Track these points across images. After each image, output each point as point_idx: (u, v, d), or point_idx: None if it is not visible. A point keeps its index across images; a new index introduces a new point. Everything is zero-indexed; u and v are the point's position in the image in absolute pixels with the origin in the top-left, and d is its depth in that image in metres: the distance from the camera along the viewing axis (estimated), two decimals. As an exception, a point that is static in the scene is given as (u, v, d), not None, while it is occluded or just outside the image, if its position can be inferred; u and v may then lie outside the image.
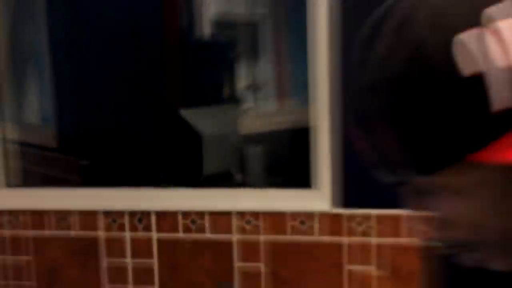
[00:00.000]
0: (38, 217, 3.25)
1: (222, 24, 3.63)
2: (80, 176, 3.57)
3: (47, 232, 3.24)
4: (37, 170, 3.57)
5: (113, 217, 3.18)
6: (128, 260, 3.18)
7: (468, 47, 0.83)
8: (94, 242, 3.20)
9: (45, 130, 3.67)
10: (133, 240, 3.17)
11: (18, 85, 3.46)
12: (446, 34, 0.83)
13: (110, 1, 3.54)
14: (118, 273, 3.21)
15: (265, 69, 4.02)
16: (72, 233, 3.20)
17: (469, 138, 0.88)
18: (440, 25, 0.85)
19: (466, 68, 0.82)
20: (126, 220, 3.14)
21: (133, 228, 3.16)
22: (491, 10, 0.84)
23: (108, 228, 3.19)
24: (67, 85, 3.61)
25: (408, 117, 0.88)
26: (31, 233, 3.23)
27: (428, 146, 0.90)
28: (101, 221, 3.19)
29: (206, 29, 3.54)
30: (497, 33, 0.84)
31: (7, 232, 3.25)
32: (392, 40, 0.88)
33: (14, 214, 3.26)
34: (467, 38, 0.83)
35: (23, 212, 3.26)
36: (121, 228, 3.18)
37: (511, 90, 0.83)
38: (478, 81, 0.81)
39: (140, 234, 3.16)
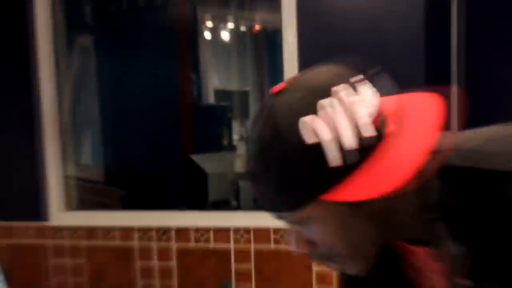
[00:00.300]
0: (90, 231, 3.35)
1: (222, 93, 3.79)
2: (120, 203, 3.70)
3: (96, 242, 3.34)
4: (89, 198, 3.66)
5: (144, 232, 3.27)
6: (155, 263, 3.26)
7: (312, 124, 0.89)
8: (130, 249, 3.29)
9: (95, 169, 3.75)
10: (158, 249, 3.25)
11: (77, 137, 3.60)
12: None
13: (140, 77, 3.65)
14: (147, 272, 3.29)
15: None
16: (115, 243, 3.30)
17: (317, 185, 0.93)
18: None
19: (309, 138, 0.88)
20: (154, 234, 3.24)
21: (158, 240, 3.25)
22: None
23: (140, 240, 3.28)
24: (111, 137, 3.72)
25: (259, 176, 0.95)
26: (84, 243, 3.34)
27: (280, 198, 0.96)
28: (135, 235, 3.28)
29: (210, 97, 3.68)
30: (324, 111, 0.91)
31: (67, 242, 3.35)
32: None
33: (72, 229, 3.36)
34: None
35: (79, 228, 3.35)
36: (150, 239, 3.26)
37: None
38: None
39: (163, 244, 3.24)
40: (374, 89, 0.94)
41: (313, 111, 0.88)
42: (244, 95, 3.65)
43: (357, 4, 3.00)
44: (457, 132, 1.04)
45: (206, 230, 3.07)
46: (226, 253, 3.17)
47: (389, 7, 2.95)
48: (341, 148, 0.87)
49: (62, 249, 3.40)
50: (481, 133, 1.01)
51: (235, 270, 3.17)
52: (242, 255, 3.15)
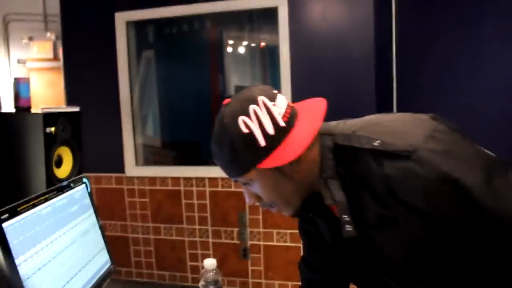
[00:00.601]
0: (151, 180, 3.53)
1: (239, 88, 3.74)
2: (171, 161, 3.80)
3: (155, 187, 3.54)
4: (151, 157, 3.76)
5: (187, 180, 3.45)
6: (194, 201, 3.47)
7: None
8: (178, 192, 3.48)
9: (155, 138, 3.90)
10: (197, 191, 3.45)
11: (143, 117, 3.70)
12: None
13: (185, 78, 3.76)
14: (190, 207, 3.47)
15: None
16: (168, 188, 3.52)
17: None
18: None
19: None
20: (194, 181, 3.43)
21: (197, 185, 3.44)
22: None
23: (185, 185, 3.47)
24: (165, 118, 3.87)
25: None
26: (148, 187, 3.56)
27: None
28: (182, 182, 3.47)
29: (231, 90, 3.72)
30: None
31: (136, 187, 3.58)
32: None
33: (140, 178, 3.55)
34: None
35: (144, 178, 3.55)
36: (191, 185, 3.45)
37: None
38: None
39: (200, 188, 3.42)
40: (285, 98, 1.08)
41: (246, 113, 1.02)
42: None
43: (328, 30, 3.13)
44: (342, 121, 1.13)
45: (229, 178, 2.88)
46: (242, 194, 3.13)
47: (348, 32, 3.10)
48: (265, 134, 1.02)
49: (133, 191, 3.58)
50: (359, 121, 1.09)
51: (249, 206, 3.30)
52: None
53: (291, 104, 1.07)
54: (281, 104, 1.04)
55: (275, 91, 1.06)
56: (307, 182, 1.07)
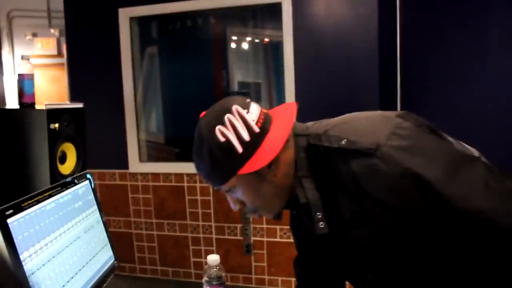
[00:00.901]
0: (155, 176, 3.54)
1: (242, 84, 3.79)
2: (175, 156, 3.78)
3: (159, 183, 3.54)
4: (155, 153, 3.76)
5: (191, 176, 3.44)
6: (198, 197, 3.47)
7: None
8: (182, 188, 3.48)
9: (158, 135, 3.88)
10: (200, 188, 3.44)
11: (146, 113, 3.68)
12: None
13: (189, 73, 3.74)
14: (193, 203, 3.47)
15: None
16: (171, 184, 3.52)
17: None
18: None
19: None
20: (197, 177, 3.40)
21: (201, 182, 3.40)
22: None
23: (188, 182, 3.47)
24: (169, 113, 3.84)
25: None
26: (151, 183, 3.56)
27: None
28: (185, 178, 3.47)
29: (235, 86, 3.72)
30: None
31: (139, 184, 3.59)
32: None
33: (143, 174, 3.56)
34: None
35: (147, 174, 3.55)
36: (195, 181, 3.44)
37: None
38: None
39: (204, 184, 3.39)
40: (258, 105, 1.11)
41: (222, 122, 1.06)
42: (257, 85, 3.73)
43: (332, 26, 3.13)
44: (320, 121, 1.16)
45: None
46: None
47: (352, 28, 3.08)
48: (241, 141, 1.06)
49: (137, 187, 3.58)
50: (333, 121, 1.13)
51: None
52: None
53: (264, 111, 1.11)
54: (254, 111, 1.08)
55: (248, 100, 1.11)
56: (286, 185, 1.10)
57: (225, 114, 1.06)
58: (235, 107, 1.07)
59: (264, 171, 1.06)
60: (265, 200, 1.11)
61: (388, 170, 0.95)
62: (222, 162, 1.05)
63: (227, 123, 1.05)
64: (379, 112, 1.11)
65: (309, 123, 1.15)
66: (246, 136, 1.05)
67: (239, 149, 1.04)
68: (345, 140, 1.02)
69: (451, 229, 0.96)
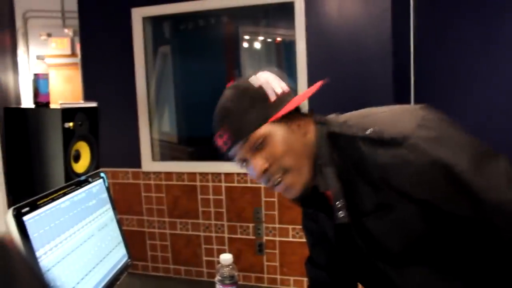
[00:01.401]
0: (168, 175, 3.53)
1: None
2: (188, 156, 3.76)
3: (172, 182, 3.54)
4: (168, 153, 3.74)
5: (203, 175, 3.44)
6: (210, 196, 3.46)
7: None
8: (194, 187, 3.47)
9: (171, 134, 3.86)
10: (213, 187, 3.45)
11: (159, 112, 3.69)
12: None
13: (202, 72, 3.71)
14: (205, 202, 3.47)
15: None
16: (184, 183, 3.51)
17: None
18: None
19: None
20: (210, 177, 3.42)
21: (213, 181, 3.42)
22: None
23: (201, 181, 3.46)
24: (182, 113, 3.83)
25: None
26: (164, 182, 3.55)
27: None
28: (198, 177, 3.46)
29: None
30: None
31: (152, 182, 3.58)
32: None
33: (156, 173, 3.56)
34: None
35: (160, 173, 3.54)
36: (207, 180, 3.43)
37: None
38: None
39: (216, 184, 3.42)
40: (287, 80, 1.14)
41: (257, 76, 1.12)
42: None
43: (344, 25, 3.10)
44: (340, 114, 1.17)
45: (245, 174, 2.98)
46: (258, 189, 3.30)
47: (365, 28, 3.05)
48: (274, 92, 1.09)
49: (150, 186, 3.58)
50: (351, 114, 1.13)
51: (264, 201, 3.33)
52: (269, 191, 3.26)
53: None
54: (284, 79, 1.15)
55: (282, 73, 1.16)
56: (311, 151, 1.09)
57: (260, 72, 1.12)
58: (269, 72, 1.12)
59: (295, 127, 1.07)
60: (296, 156, 1.07)
61: (417, 161, 0.95)
62: (253, 110, 1.06)
63: (261, 76, 1.09)
64: (400, 106, 1.11)
65: (326, 116, 1.15)
66: (278, 89, 1.08)
67: (272, 97, 1.06)
68: (370, 129, 1.01)
69: (473, 221, 0.96)
